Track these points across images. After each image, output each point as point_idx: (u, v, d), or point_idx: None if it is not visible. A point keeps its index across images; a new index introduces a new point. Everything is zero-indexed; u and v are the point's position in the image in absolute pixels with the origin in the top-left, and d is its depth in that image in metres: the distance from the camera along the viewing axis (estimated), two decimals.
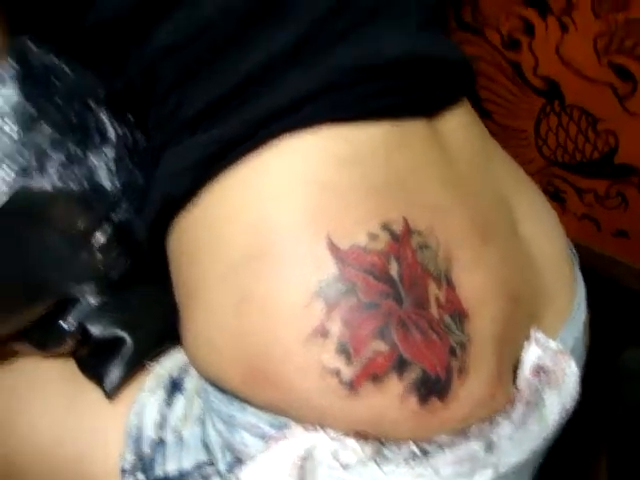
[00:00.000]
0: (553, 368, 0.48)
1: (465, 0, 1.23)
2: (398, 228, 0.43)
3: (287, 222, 0.43)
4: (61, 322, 0.53)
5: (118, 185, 0.52)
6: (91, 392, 0.53)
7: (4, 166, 0.46)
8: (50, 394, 0.54)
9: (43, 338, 0.53)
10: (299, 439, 0.42)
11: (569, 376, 0.49)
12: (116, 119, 0.52)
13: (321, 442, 0.42)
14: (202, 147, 0.45)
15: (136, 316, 0.53)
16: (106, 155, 0.52)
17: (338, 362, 0.41)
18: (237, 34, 0.44)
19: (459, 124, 0.51)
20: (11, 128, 0.46)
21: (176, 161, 0.46)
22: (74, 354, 0.55)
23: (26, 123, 0.47)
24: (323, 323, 0.41)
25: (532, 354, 0.48)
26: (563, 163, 1.33)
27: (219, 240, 0.44)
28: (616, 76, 1.37)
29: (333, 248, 0.42)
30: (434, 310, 0.43)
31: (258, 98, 0.44)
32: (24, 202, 0.48)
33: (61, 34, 0.49)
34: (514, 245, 0.51)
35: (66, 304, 0.53)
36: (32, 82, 0.48)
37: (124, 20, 0.45)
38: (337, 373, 0.41)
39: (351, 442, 0.42)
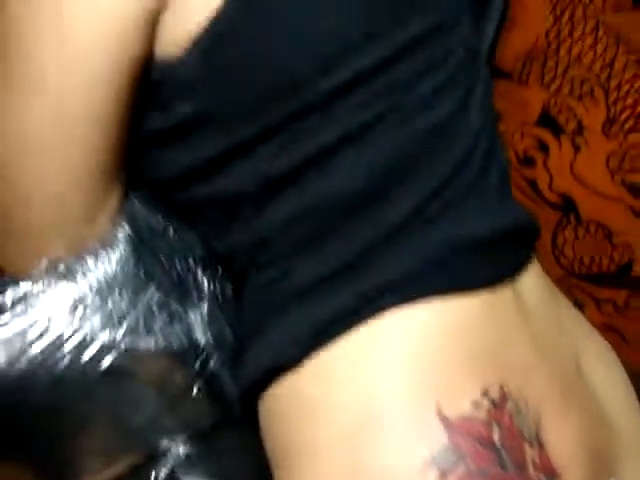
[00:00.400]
0: None
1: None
2: (496, 394, 0.46)
3: (397, 393, 0.45)
4: (153, 473, 0.54)
5: (210, 339, 0.55)
6: None
7: (115, 327, 0.49)
8: None
9: None
10: None
11: None
12: (211, 275, 0.56)
13: None
14: (311, 320, 0.48)
15: (226, 466, 0.55)
16: (201, 311, 0.54)
17: None
18: (350, 211, 0.48)
19: (532, 282, 0.55)
20: (122, 292, 0.49)
21: (283, 330, 0.49)
22: None
23: (136, 286, 0.50)
24: None
25: None
26: (581, 274, 1.37)
27: (327, 409, 0.46)
28: (629, 193, 1.43)
29: (442, 418, 0.44)
30: (532, 472, 0.45)
31: (367, 272, 0.48)
32: (129, 361, 0.50)
33: (172, 201, 0.53)
34: (590, 399, 0.53)
35: (157, 454, 0.55)
36: (140, 244, 0.51)
37: (238, 196, 0.49)
38: None
39: None
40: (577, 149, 1.45)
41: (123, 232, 0.51)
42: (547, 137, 1.47)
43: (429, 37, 0.49)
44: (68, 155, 0.46)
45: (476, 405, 0.45)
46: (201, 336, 0.54)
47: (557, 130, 1.45)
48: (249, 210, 0.50)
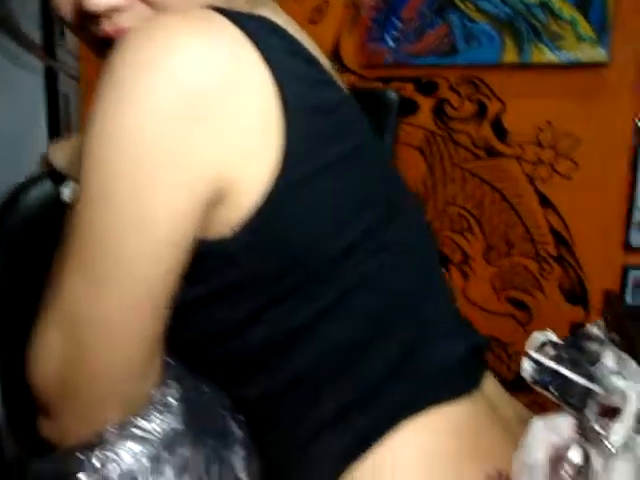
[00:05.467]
0: None
1: None
2: (495, 477, 0.58)
3: None
4: None
5: (248, 477, 0.62)
6: None
7: (182, 477, 0.56)
8: None
9: None
10: None
11: None
12: (239, 422, 0.64)
13: None
14: (343, 441, 0.58)
15: None
16: (238, 453, 0.62)
17: None
18: (361, 352, 0.60)
19: (491, 383, 0.69)
20: (184, 444, 0.57)
21: (319, 454, 0.58)
22: None
23: (195, 438, 0.58)
24: None
25: None
26: None
27: None
28: (514, 307, 1.65)
29: None
30: None
31: (381, 396, 0.59)
32: None
33: (205, 358, 0.62)
34: None
35: None
36: (190, 402, 0.59)
37: (267, 346, 0.59)
38: None
39: None
40: (465, 276, 1.67)
41: (174, 392, 0.59)
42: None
43: (397, 207, 0.65)
44: (137, 331, 0.55)
45: None
46: (242, 475, 0.62)
47: (446, 261, 1.67)
48: (273, 360, 0.59)
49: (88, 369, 0.54)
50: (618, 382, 0.59)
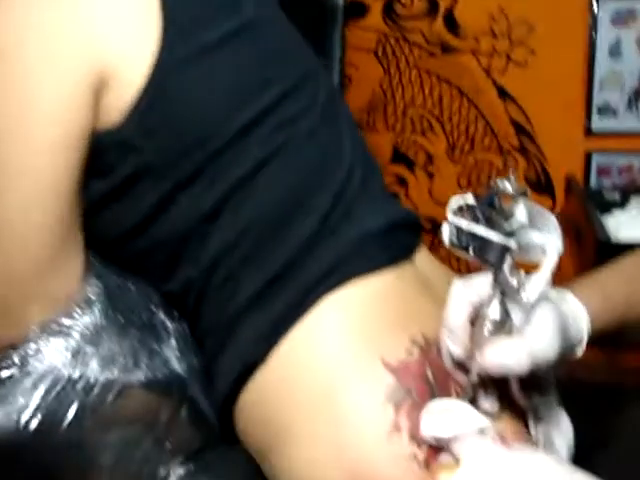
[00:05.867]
0: None
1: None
2: (422, 341, 0.59)
3: (350, 354, 0.57)
4: None
5: (185, 369, 0.64)
6: None
7: (110, 368, 0.57)
8: None
9: None
10: None
11: None
12: (170, 316, 0.65)
13: None
14: (269, 318, 0.59)
15: (224, 471, 0.63)
16: (172, 347, 0.63)
17: (413, 449, 0.54)
18: (276, 227, 0.60)
19: (424, 258, 0.69)
20: (110, 337, 0.58)
21: (247, 334, 0.59)
22: None
23: (119, 331, 0.59)
24: (395, 421, 0.54)
25: None
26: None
27: (297, 389, 0.57)
28: None
29: (387, 365, 0.56)
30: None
31: (300, 272, 0.60)
32: (125, 400, 0.58)
33: (125, 257, 0.63)
34: None
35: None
36: (113, 298, 0.60)
37: (182, 235, 0.60)
38: (414, 457, 0.54)
39: None
40: (431, 177, 1.67)
41: (97, 288, 0.59)
42: (403, 172, 1.67)
43: (303, 83, 0.64)
44: (39, 230, 0.55)
45: (409, 351, 0.58)
46: (177, 367, 0.63)
47: (410, 164, 1.66)
48: (193, 244, 0.60)
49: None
50: (534, 236, 0.59)
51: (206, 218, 0.60)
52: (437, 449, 0.55)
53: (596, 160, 1.56)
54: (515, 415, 0.62)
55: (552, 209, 1.60)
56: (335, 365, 0.57)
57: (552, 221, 0.61)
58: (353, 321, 0.59)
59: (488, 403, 0.59)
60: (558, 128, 1.56)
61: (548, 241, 0.59)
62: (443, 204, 1.79)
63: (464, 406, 0.55)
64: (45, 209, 0.55)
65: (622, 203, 1.38)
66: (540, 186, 1.60)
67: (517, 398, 0.61)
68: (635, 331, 0.73)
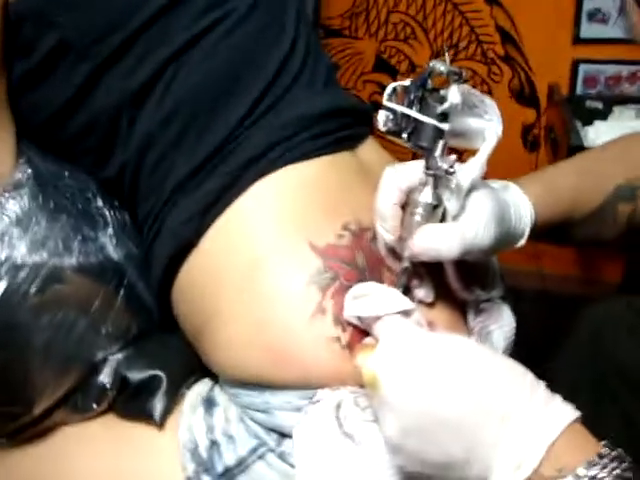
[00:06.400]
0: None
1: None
2: (354, 227, 0.58)
3: (276, 238, 0.57)
4: (99, 378, 0.62)
5: (122, 256, 0.63)
6: (135, 431, 0.62)
7: (40, 250, 0.57)
8: (97, 447, 0.63)
9: (85, 400, 0.62)
10: (329, 398, 0.54)
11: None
12: (108, 204, 0.64)
13: (345, 396, 0.54)
14: (199, 200, 0.58)
15: (162, 357, 0.64)
16: (109, 233, 0.63)
17: (336, 331, 0.54)
18: (206, 108, 0.59)
19: (372, 149, 0.68)
20: (39, 221, 0.57)
21: (179, 216, 0.59)
22: (112, 407, 0.64)
23: (49, 216, 0.58)
24: (320, 303, 0.54)
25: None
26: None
27: (225, 266, 0.57)
28: None
29: (313, 248, 0.56)
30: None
31: (232, 155, 0.59)
32: (56, 283, 0.58)
33: (57, 142, 0.62)
34: None
35: (98, 366, 0.63)
36: (44, 184, 0.59)
37: (111, 115, 0.59)
38: (338, 339, 0.54)
39: (363, 391, 0.54)
40: None
41: (26, 174, 0.59)
42: (385, 80, 1.63)
43: None
44: None
45: (339, 236, 0.57)
46: (114, 254, 0.63)
47: (393, 72, 1.62)
48: (124, 126, 0.59)
49: None
50: (472, 122, 0.58)
51: (134, 99, 0.58)
52: (362, 333, 0.55)
53: (583, 69, 1.52)
54: (452, 306, 0.62)
55: (536, 121, 1.57)
56: (262, 246, 0.57)
57: (492, 107, 0.59)
58: (283, 205, 0.58)
59: (423, 292, 0.59)
60: (545, 35, 1.51)
61: (487, 126, 0.58)
62: None
63: (389, 289, 0.55)
64: None
65: (605, 113, 1.35)
66: (524, 97, 1.56)
67: (455, 289, 0.61)
68: (583, 225, 0.72)
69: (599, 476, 0.43)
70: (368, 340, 0.54)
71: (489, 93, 1.56)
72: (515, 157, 1.49)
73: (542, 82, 1.54)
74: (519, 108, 1.57)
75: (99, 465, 0.62)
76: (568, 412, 0.45)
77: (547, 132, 1.34)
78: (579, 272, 1.37)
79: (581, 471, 0.43)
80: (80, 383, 0.62)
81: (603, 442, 0.45)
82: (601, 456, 0.43)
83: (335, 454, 0.52)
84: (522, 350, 0.67)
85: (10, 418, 0.61)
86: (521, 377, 0.47)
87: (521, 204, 0.63)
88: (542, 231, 0.68)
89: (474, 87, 0.61)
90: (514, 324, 0.66)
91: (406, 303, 0.53)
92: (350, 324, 0.55)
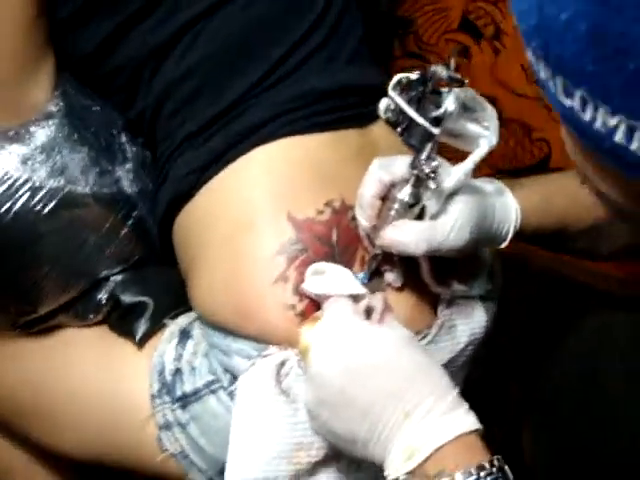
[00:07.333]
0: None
1: (408, 30, 1.37)
2: (337, 205, 0.63)
3: (261, 204, 0.62)
4: (98, 294, 0.71)
5: (136, 191, 0.71)
6: (120, 347, 0.71)
7: (58, 177, 0.65)
8: (84, 350, 0.72)
9: (84, 310, 0.71)
10: (275, 355, 0.61)
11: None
12: (132, 142, 0.71)
13: (290, 356, 0.60)
14: (202, 156, 0.64)
15: (154, 286, 0.72)
16: (126, 169, 0.70)
17: (294, 299, 0.60)
18: (223, 69, 0.64)
19: (384, 130, 0.69)
20: (62, 151, 0.65)
21: (183, 167, 0.65)
22: (106, 321, 0.73)
23: (72, 147, 0.66)
24: (284, 272, 0.60)
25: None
26: (504, 170, 1.50)
27: (216, 218, 0.63)
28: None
29: (291, 219, 0.61)
30: (357, 267, 0.62)
31: (238, 120, 0.64)
32: (71, 205, 0.66)
33: (92, 79, 0.69)
34: None
35: (99, 282, 0.71)
36: (73, 116, 0.66)
37: (137, 64, 0.65)
38: (293, 307, 0.60)
39: None
40: (496, 52, 1.59)
41: (58, 106, 0.66)
42: (468, 42, 1.60)
43: None
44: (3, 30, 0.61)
45: (319, 212, 0.62)
46: (128, 188, 0.70)
47: (477, 35, 1.58)
48: (146, 75, 0.65)
49: None
50: (469, 126, 0.59)
51: (159, 50, 0.64)
52: (316, 306, 0.60)
53: None
54: (422, 294, 0.66)
55: None
56: (246, 209, 0.62)
57: (492, 116, 0.60)
58: (274, 175, 0.63)
59: (392, 277, 0.64)
60: None
61: (483, 134, 0.59)
62: (503, 84, 1.72)
63: (345, 272, 0.60)
64: (14, 19, 0.61)
65: None
66: None
67: (427, 282, 0.65)
68: (580, 238, 0.73)
69: None
70: (318, 314, 0.59)
71: None
72: None
73: None
74: None
75: (85, 369, 0.71)
76: (466, 423, 0.50)
77: None
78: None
79: (458, 476, 0.47)
80: (82, 294, 0.71)
81: (496, 456, 0.49)
82: (481, 468, 0.48)
83: (269, 406, 0.59)
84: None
85: (20, 313, 0.70)
86: (434, 382, 0.51)
87: (507, 208, 0.64)
88: (535, 236, 0.69)
89: None
90: (484, 324, 0.69)
91: (356, 288, 0.58)
92: (307, 296, 0.60)
